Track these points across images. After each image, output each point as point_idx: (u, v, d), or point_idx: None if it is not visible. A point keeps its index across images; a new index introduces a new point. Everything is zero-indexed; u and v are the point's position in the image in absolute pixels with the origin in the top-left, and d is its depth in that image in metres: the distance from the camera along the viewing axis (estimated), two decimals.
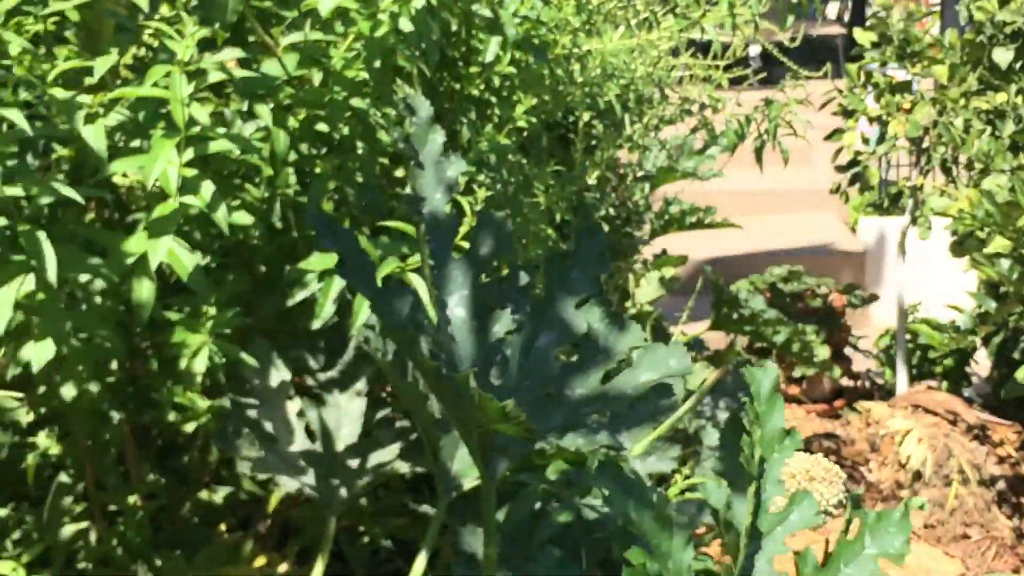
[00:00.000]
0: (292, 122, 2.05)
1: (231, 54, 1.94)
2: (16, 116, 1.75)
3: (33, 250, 1.77)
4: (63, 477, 2.25)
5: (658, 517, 1.52)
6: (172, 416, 2.14)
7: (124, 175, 2.01)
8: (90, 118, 1.88)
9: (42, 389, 2.11)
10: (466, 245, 1.87)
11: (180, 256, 1.85)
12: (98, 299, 1.97)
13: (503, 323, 1.79)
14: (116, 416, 2.13)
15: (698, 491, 2.26)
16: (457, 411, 1.59)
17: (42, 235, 1.78)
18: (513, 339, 1.80)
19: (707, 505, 1.85)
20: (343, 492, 2.11)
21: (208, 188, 1.85)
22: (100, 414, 2.11)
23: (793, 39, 3.23)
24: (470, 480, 1.93)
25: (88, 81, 1.99)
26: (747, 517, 1.57)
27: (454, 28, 2.23)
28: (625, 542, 1.57)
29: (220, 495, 2.34)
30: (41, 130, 1.85)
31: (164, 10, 2.03)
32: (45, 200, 1.83)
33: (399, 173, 2.27)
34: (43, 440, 2.21)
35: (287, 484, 2.10)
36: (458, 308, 1.77)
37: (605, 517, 1.88)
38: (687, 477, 2.68)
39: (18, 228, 1.78)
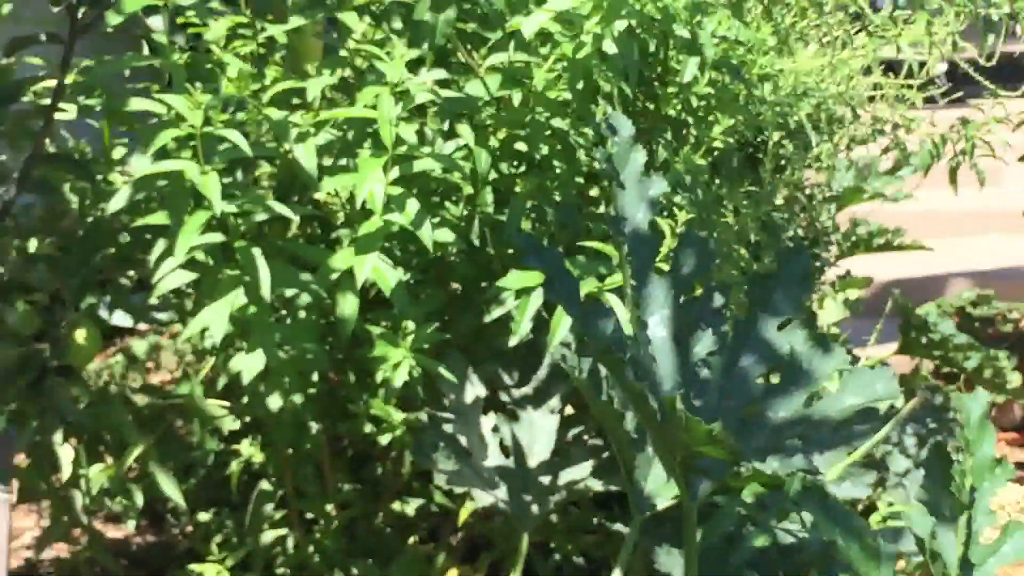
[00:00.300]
0: (493, 141, 2.07)
1: (436, 75, 1.98)
2: (236, 137, 1.82)
3: (248, 265, 1.84)
4: (264, 484, 2.32)
5: (866, 545, 1.49)
6: (367, 428, 2.18)
7: (328, 193, 2.07)
8: (301, 137, 1.94)
9: (246, 399, 2.18)
10: (664, 266, 1.87)
11: (384, 272, 1.90)
12: (302, 313, 2.03)
13: (704, 343, 1.77)
14: (315, 426, 2.19)
15: (899, 519, 2.20)
16: (661, 432, 1.58)
17: (257, 251, 1.84)
18: (713, 360, 1.79)
19: (907, 533, 1.81)
20: (535, 508, 2.12)
21: (413, 206, 1.89)
22: (301, 424, 2.17)
23: (990, 57, 3.13)
24: (664, 500, 1.92)
25: (295, 100, 2.06)
26: (958, 547, 1.53)
27: (651, 48, 2.23)
28: (827, 569, 1.55)
29: (412, 507, 2.38)
30: (256, 149, 1.92)
31: (365, 28, 2.07)
32: (259, 217, 1.90)
33: (594, 192, 2.28)
34: (246, 448, 2.28)
35: (481, 498, 2.12)
36: (659, 328, 1.77)
37: (803, 542, 1.85)
38: (876, 503, 2.62)
39: (234, 244, 1.85)
